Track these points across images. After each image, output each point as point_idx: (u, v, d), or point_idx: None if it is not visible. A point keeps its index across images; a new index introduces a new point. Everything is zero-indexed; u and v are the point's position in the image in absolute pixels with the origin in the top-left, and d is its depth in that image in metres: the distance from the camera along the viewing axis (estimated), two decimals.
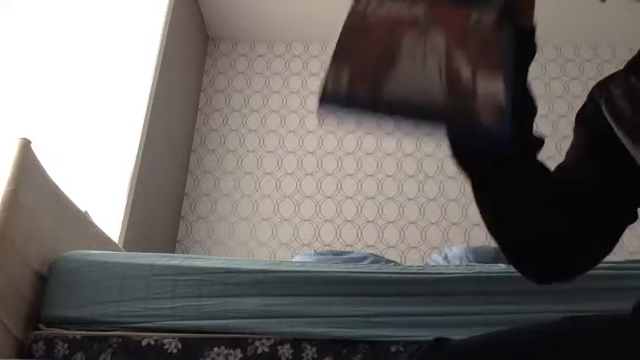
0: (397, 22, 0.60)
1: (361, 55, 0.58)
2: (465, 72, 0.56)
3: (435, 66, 0.57)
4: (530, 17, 0.67)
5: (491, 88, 0.55)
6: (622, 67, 0.78)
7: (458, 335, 0.67)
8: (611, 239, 0.76)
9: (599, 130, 0.75)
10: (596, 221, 0.75)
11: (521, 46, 0.65)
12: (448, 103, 0.55)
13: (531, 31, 0.68)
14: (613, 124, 0.72)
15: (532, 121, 0.71)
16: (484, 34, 0.60)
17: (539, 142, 0.73)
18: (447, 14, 0.60)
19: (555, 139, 3.76)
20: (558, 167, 0.81)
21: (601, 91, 0.76)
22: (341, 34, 0.60)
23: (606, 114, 0.73)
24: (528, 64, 0.69)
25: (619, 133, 0.70)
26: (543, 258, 0.75)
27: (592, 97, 0.79)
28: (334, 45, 0.59)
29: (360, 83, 0.56)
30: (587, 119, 0.80)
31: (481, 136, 0.55)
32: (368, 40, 0.59)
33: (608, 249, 0.76)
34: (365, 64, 0.57)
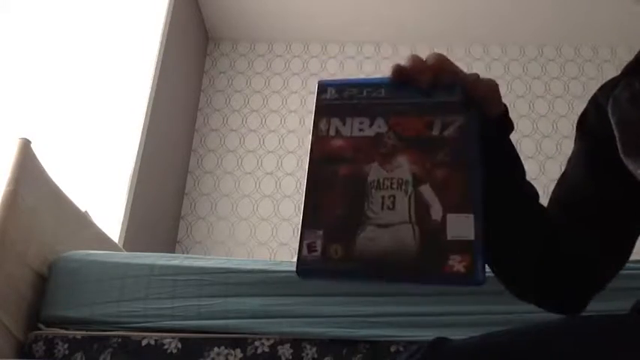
0: (361, 150, 0.60)
1: (330, 213, 0.58)
2: (434, 208, 0.57)
3: (403, 208, 0.57)
4: (498, 101, 0.66)
5: (460, 229, 0.55)
6: (622, 71, 0.77)
7: (458, 335, 0.67)
8: (623, 254, 0.74)
9: (603, 136, 0.73)
10: (606, 238, 0.73)
11: (498, 128, 0.68)
12: (420, 259, 0.55)
13: (504, 113, 0.68)
14: (616, 131, 0.70)
15: (524, 179, 0.74)
16: (449, 148, 0.60)
17: (534, 191, 0.75)
18: (408, 125, 0.61)
19: (555, 139, 3.76)
20: (560, 186, 0.79)
21: (607, 96, 0.75)
22: (308, 178, 0.61)
23: (612, 120, 0.72)
24: (508, 135, 0.71)
25: (622, 139, 0.69)
26: (560, 288, 0.73)
27: (596, 103, 0.78)
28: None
29: (334, 251, 0.56)
30: (590, 127, 0.77)
31: (454, 284, 0.56)
32: (335, 189, 0.59)
33: (621, 264, 0.74)
34: (335, 224, 0.58)
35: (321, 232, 0.57)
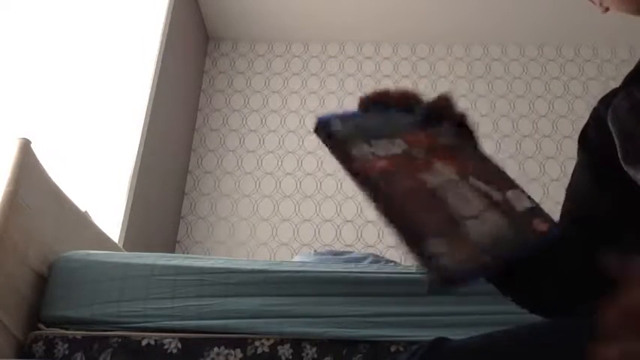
0: (403, 165, 0.60)
1: (428, 222, 0.56)
2: (493, 193, 0.61)
3: (474, 199, 0.59)
4: (460, 113, 0.70)
5: (521, 201, 0.62)
6: (622, 82, 0.77)
7: (458, 335, 0.67)
8: None
9: (604, 147, 0.72)
10: (614, 248, 0.73)
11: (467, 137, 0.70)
12: (518, 232, 0.59)
13: (467, 122, 0.71)
14: (617, 140, 0.70)
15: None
16: (460, 149, 0.66)
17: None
18: (421, 140, 0.64)
19: (556, 139, 3.76)
20: (567, 200, 0.78)
21: (607, 107, 0.75)
22: (381, 206, 0.57)
23: (612, 130, 0.71)
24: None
25: (623, 148, 0.69)
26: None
27: (596, 115, 0.78)
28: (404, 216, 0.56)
29: (460, 247, 0.54)
30: (591, 139, 0.77)
31: (545, 242, 0.61)
32: (415, 203, 0.57)
33: None
34: (441, 227, 0.56)
35: (440, 239, 0.54)
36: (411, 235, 0.54)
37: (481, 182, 0.61)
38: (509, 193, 0.62)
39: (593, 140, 0.76)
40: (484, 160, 0.66)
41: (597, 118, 0.77)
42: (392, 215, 0.55)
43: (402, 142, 0.62)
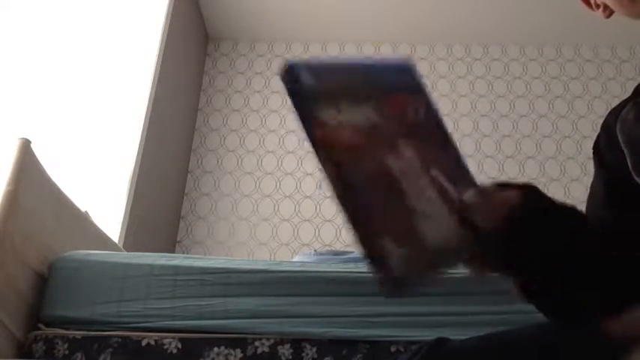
0: (370, 139, 0.55)
1: (383, 217, 0.52)
2: (450, 189, 0.58)
3: (433, 194, 0.56)
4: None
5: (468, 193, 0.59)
6: (631, 94, 0.77)
7: (458, 335, 0.67)
8: None
9: (615, 158, 0.71)
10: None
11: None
12: (460, 236, 0.56)
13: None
14: (626, 150, 0.69)
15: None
16: (430, 129, 0.61)
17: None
18: (395, 107, 0.58)
19: (556, 139, 3.76)
20: (586, 211, 0.76)
21: (615, 118, 0.74)
22: (336, 185, 0.52)
23: (620, 139, 0.71)
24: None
25: (632, 158, 0.68)
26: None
27: (606, 126, 0.77)
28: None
29: (410, 253, 0.51)
30: (603, 151, 0.76)
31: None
32: (374, 190, 0.53)
33: None
34: (395, 226, 0.52)
35: (388, 239, 0.50)
36: (364, 229, 0.50)
37: (442, 175, 0.57)
38: (466, 195, 0.60)
39: (604, 151, 0.76)
40: (447, 147, 0.61)
41: (606, 128, 0.76)
42: (347, 201, 0.51)
43: (374, 110, 0.56)
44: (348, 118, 0.54)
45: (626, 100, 0.76)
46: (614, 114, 0.75)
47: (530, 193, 0.63)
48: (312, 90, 0.53)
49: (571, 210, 0.66)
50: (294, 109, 0.54)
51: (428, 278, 0.53)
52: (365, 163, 0.53)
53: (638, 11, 0.75)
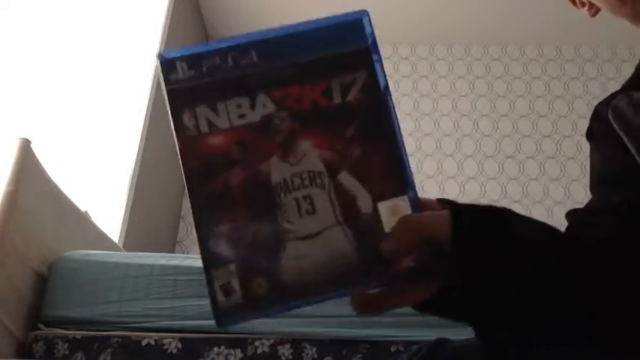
0: (251, 143, 0.46)
1: (238, 239, 0.45)
2: (361, 198, 0.46)
3: (326, 208, 0.46)
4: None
5: (392, 212, 0.46)
6: (621, 86, 0.77)
7: (459, 335, 0.67)
8: None
9: (614, 148, 0.70)
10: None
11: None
12: (362, 263, 0.45)
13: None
14: (623, 135, 0.70)
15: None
16: (358, 117, 0.47)
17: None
18: (299, 97, 0.47)
19: (556, 139, 3.76)
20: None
21: (606, 106, 0.75)
22: (193, 200, 0.46)
23: (615, 126, 0.71)
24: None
25: (630, 144, 0.68)
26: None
27: (597, 116, 0.77)
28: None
29: (257, 286, 0.44)
30: (594, 137, 0.75)
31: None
32: (234, 206, 0.45)
33: None
34: (248, 252, 0.45)
35: (233, 267, 0.44)
36: (203, 255, 0.44)
37: (354, 180, 0.46)
38: (385, 205, 0.46)
39: (600, 135, 0.76)
40: (383, 143, 0.47)
41: (599, 119, 0.77)
42: (197, 222, 0.45)
43: (267, 101, 0.46)
44: (225, 118, 0.46)
45: (614, 92, 0.77)
46: (604, 103, 0.75)
47: (460, 221, 0.47)
48: (183, 85, 0.47)
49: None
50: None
51: (257, 316, 0.45)
52: (232, 172, 0.46)
53: (628, 12, 0.74)
